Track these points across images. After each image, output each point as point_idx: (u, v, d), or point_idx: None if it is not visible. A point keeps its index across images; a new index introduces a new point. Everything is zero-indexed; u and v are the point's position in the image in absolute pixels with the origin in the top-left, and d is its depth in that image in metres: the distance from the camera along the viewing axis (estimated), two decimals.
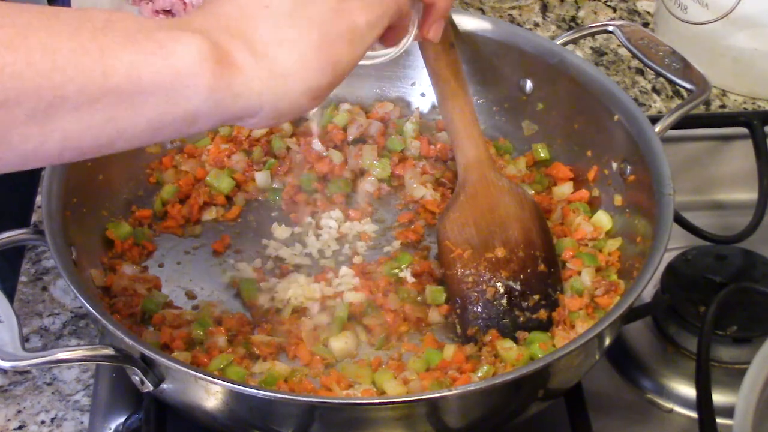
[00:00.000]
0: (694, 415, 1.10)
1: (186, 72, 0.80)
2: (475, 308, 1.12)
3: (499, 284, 1.13)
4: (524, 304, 1.12)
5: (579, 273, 1.14)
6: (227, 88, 0.82)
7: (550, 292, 1.13)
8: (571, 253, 1.16)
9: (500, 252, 1.14)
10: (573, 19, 1.60)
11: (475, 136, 1.20)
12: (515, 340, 1.09)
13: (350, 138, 1.28)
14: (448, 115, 1.21)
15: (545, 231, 1.17)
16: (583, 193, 1.22)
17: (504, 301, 1.12)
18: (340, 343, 1.10)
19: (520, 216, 1.16)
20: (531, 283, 1.13)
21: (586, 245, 1.17)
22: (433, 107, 1.33)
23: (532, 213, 1.17)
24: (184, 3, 1.51)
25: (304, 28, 0.85)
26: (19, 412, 1.12)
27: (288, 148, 1.28)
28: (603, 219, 1.19)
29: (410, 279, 1.15)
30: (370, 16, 0.88)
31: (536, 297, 1.12)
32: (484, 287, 1.13)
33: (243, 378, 1.05)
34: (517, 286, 1.13)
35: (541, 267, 1.14)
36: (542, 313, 1.12)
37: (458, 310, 1.13)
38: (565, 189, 1.24)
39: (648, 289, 1.08)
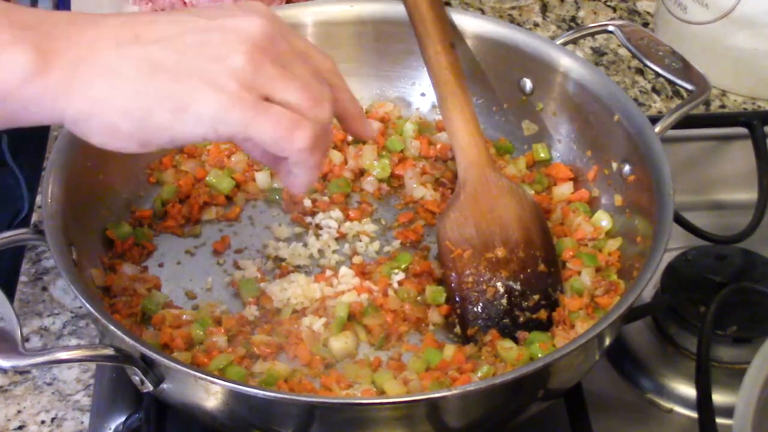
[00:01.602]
0: (694, 415, 1.10)
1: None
2: (475, 308, 1.12)
3: (499, 284, 1.13)
4: (524, 304, 1.12)
5: (579, 273, 1.14)
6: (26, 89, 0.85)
7: (550, 292, 1.13)
8: (571, 253, 1.16)
9: (500, 252, 1.14)
10: (573, 19, 1.60)
11: (475, 136, 1.20)
12: (515, 340, 1.09)
13: (350, 138, 1.28)
14: (447, 115, 1.21)
15: (545, 231, 1.17)
16: (583, 193, 1.22)
17: (504, 301, 1.12)
18: (340, 343, 1.10)
19: (520, 216, 1.16)
20: (531, 282, 1.13)
21: (586, 245, 1.17)
22: (433, 107, 1.32)
23: (532, 213, 1.17)
24: (184, 3, 1.51)
25: (140, 72, 0.86)
26: (19, 412, 1.12)
27: None
28: (603, 219, 1.19)
29: (395, 285, 1.15)
30: (220, 113, 0.86)
31: (536, 297, 1.12)
32: (484, 287, 1.13)
33: (243, 378, 1.05)
34: (517, 286, 1.13)
35: (541, 267, 1.14)
36: (542, 313, 1.12)
37: (458, 310, 1.13)
38: (565, 189, 1.24)
39: (648, 289, 1.08)
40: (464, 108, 1.20)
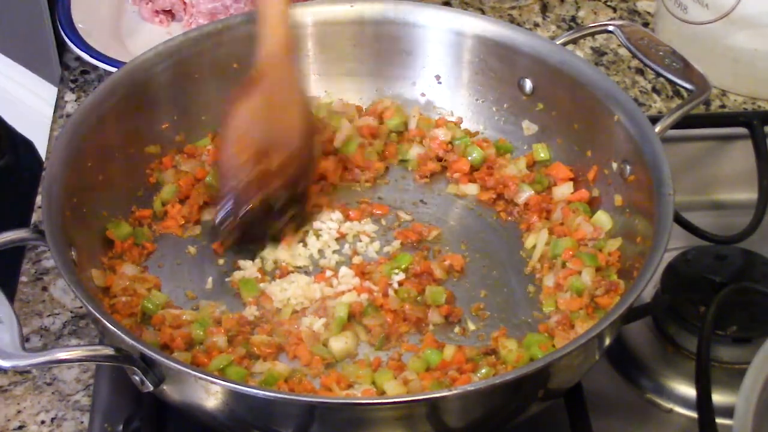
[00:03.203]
0: (694, 415, 1.10)
1: None
2: (231, 209, 1.14)
3: (268, 196, 1.14)
4: (278, 217, 1.16)
5: (579, 273, 1.14)
6: None
7: (299, 211, 1.17)
8: (571, 252, 1.16)
9: (276, 161, 1.13)
10: (573, 19, 1.60)
11: (286, 24, 1.16)
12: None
13: (337, 144, 1.28)
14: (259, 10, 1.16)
15: (314, 153, 1.18)
16: (583, 193, 1.22)
17: (259, 213, 1.15)
18: (340, 344, 1.10)
19: (303, 130, 1.16)
20: (291, 198, 1.16)
21: (586, 245, 1.17)
22: (433, 107, 1.33)
23: (312, 129, 1.17)
24: (184, 3, 1.51)
25: None
26: (19, 412, 1.12)
27: None
28: (603, 219, 1.19)
29: (395, 285, 1.15)
30: None
31: (289, 213, 1.16)
32: (250, 193, 1.14)
33: (243, 378, 1.05)
34: (279, 203, 1.15)
35: (300, 188, 1.16)
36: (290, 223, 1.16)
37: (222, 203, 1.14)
38: (565, 189, 1.23)
39: (648, 289, 1.08)
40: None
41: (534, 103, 1.28)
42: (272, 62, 1.15)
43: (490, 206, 1.25)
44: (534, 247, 1.19)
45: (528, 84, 1.28)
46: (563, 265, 1.16)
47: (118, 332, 0.97)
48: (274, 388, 1.04)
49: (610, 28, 1.27)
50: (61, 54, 1.54)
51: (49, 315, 1.21)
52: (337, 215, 1.23)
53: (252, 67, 1.16)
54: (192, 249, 1.21)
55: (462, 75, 1.31)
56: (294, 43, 1.16)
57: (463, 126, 1.32)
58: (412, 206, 1.26)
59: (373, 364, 1.08)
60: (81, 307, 1.20)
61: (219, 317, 1.12)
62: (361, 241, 1.21)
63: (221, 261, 1.20)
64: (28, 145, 1.62)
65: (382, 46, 1.31)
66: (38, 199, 1.33)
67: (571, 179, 1.24)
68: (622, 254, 1.15)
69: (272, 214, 1.16)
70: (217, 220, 1.16)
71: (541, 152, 1.27)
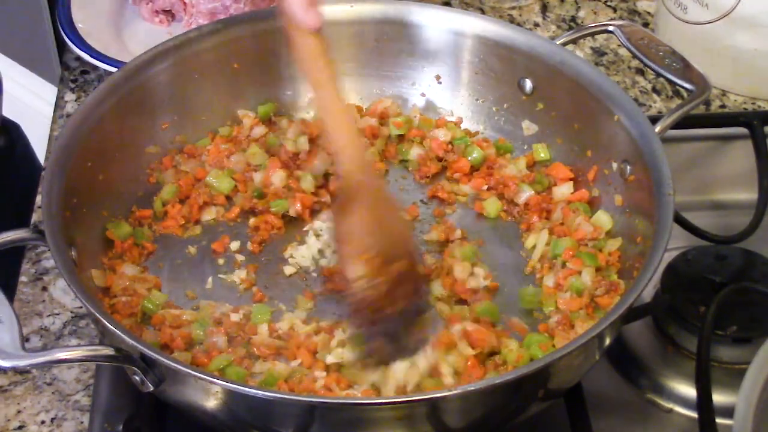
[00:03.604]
0: (694, 415, 1.10)
1: None
2: (372, 324, 1.07)
3: (399, 302, 1.08)
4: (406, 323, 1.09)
5: (579, 273, 1.14)
6: None
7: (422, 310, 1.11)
8: (571, 252, 1.16)
9: (400, 265, 1.08)
10: (573, 19, 1.60)
11: (355, 136, 1.14)
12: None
13: None
14: (325, 111, 1.13)
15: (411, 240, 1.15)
16: (583, 193, 1.22)
17: (397, 318, 1.08)
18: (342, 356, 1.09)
19: (405, 229, 1.14)
20: (417, 300, 1.10)
21: (586, 245, 1.17)
22: (433, 106, 1.33)
23: (409, 228, 1.16)
24: (184, 3, 1.51)
25: None
26: (19, 412, 1.12)
27: (281, 145, 1.28)
28: (603, 219, 1.19)
29: None
30: None
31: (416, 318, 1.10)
32: (385, 301, 1.07)
33: (243, 378, 1.05)
34: (409, 304, 1.09)
35: (418, 285, 1.11)
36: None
37: (356, 322, 1.09)
38: (565, 189, 1.23)
39: (648, 289, 1.08)
40: (338, 102, 1.13)
41: (534, 103, 1.28)
42: (358, 174, 1.11)
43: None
44: (534, 247, 1.19)
45: (528, 84, 1.28)
46: (563, 265, 1.16)
47: (118, 332, 0.97)
48: (274, 388, 1.04)
49: (610, 28, 1.27)
50: (61, 54, 1.55)
51: (49, 315, 1.21)
52: None
53: (339, 183, 1.14)
54: (192, 249, 1.21)
55: (462, 75, 1.31)
56: (364, 147, 1.16)
57: (463, 126, 1.32)
58: (411, 206, 1.25)
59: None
60: (81, 307, 1.20)
61: (219, 318, 1.12)
62: None
63: (221, 261, 1.20)
64: (16, 129, 1.62)
65: (382, 46, 1.32)
66: (38, 199, 1.33)
67: (571, 179, 1.24)
68: (622, 254, 1.16)
69: (406, 317, 1.10)
70: (366, 348, 1.08)
71: (541, 152, 1.27)
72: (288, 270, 1.19)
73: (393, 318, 1.07)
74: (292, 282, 1.18)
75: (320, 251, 1.21)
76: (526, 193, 1.23)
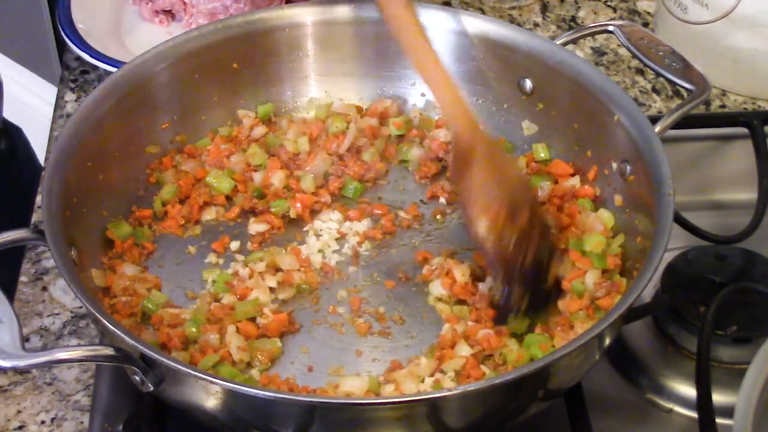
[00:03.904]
0: (694, 415, 1.10)
1: None
2: (511, 275, 1.11)
3: (530, 249, 1.11)
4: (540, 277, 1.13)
5: (584, 272, 1.14)
6: None
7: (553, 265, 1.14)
8: (578, 253, 1.16)
9: (524, 217, 1.12)
10: (573, 19, 1.60)
11: (464, 104, 1.17)
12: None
13: (342, 150, 1.28)
14: (422, 79, 1.19)
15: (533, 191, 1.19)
16: (589, 189, 1.22)
17: (532, 268, 1.11)
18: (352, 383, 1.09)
19: (525, 181, 1.18)
20: (545, 245, 1.13)
21: None
22: (433, 106, 1.33)
23: (525, 175, 1.19)
24: (184, 3, 1.51)
25: None
26: (19, 412, 1.12)
27: (281, 145, 1.28)
28: (605, 216, 1.19)
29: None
30: None
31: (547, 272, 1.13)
32: (518, 253, 1.11)
33: (234, 376, 1.05)
34: (542, 251, 1.12)
35: (547, 239, 1.14)
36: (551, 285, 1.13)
37: (499, 286, 1.12)
38: (573, 182, 1.23)
39: (648, 289, 1.08)
40: (437, 66, 1.17)
41: (534, 103, 1.28)
42: (469, 133, 1.15)
43: None
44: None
45: (528, 84, 1.28)
46: (572, 265, 1.15)
47: (118, 332, 0.97)
48: (274, 388, 1.04)
49: (610, 28, 1.27)
50: (61, 54, 1.55)
51: (49, 315, 1.21)
52: (337, 215, 1.23)
53: (453, 146, 1.18)
54: (192, 249, 1.21)
55: (462, 75, 1.31)
56: (470, 111, 1.17)
57: None
58: (412, 206, 1.26)
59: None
60: (81, 307, 1.20)
61: (214, 311, 1.12)
62: (365, 242, 1.22)
63: (221, 261, 1.20)
64: (18, 132, 1.62)
65: (382, 46, 1.31)
66: (38, 199, 1.33)
67: (571, 175, 1.24)
68: (623, 253, 1.15)
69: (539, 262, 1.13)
70: (502, 301, 1.12)
71: (541, 152, 1.27)
72: None
73: (528, 266, 1.11)
74: None
75: (320, 251, 1.21)
76: (545, 190, 1.23)
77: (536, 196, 1.19)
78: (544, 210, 1.19)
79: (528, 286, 1.11)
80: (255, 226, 1.22)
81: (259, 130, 1.29)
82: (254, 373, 1.08)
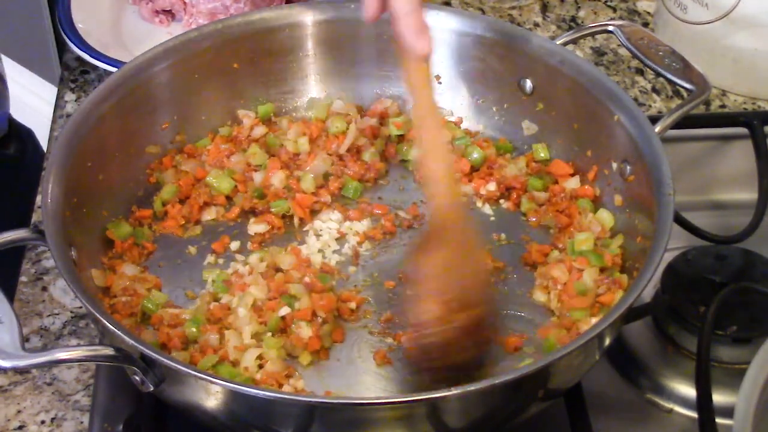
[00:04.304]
0: (694, 415, 1.10)
1: None
2: (429, 369, 1.06)
3: (462, 352, 1.05)
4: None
5: (582, 271, 1.14)
6: None
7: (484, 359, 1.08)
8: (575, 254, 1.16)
9: (474, 312, 1.05)
10: (573, 19, 1.60)
11: (452, 176, 1.11)
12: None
13: (342, 150, 1.28)
14: (418, 139, 1.12)
15: (495, 309, 1.12)
16: (588, 189, 1.22)
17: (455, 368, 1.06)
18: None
19: (485, 286, 1.11)
20: (481, 353, 1.08)
21: (595, 244, 1.17)
22: None
23: (485, 272, 1.13)
24: (184, 3, 1.51)
25: None
26: (19, 412, 1.12)
27: (281, 145, 1.28)
28: (605, 217, 1.19)
29: None
30: None
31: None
32: (448, 351, 1.05)
33: (233, 376, 1.05)
34: (475, 350, 1.07)
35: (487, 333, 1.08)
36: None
37: (409, 344, 1.08)
38: (572, 183, 1.23)
39: (648, 289, 1.08)
40: (439, 132, 1.11)
41: (534, 103, 1.28)
42: (449, 211, 1.08)
43: (494, 203, 1.26)
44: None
45: (528, 84, 1.28)
46: (570, 267, 1.15)
47: (118, 332, 0.97)
48: (275, 388, 1.04)
49: (610, 28, 1.27)
50: (61, 54, 1.54)
51: (49, 315, 1.21)
52: (337, 215, 1.23)
53: (429, 216, 1.12)
54: (192, 249, 1.21)
55: (462, 75, 1.31)
56: (460, 196, 1.14)
57: (463, 126, 1.32)
58: (412, 206, 1.26)
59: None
60: (81, 307, 1.20)
61: (214, 311, 1.12)
62: (366, 242, 1.22)
63: (221, 261, 1.20)
64: (29, 134, 1.62)
65: (382, 46, 1.31)
66: (38, 199, 1.33)
67: (571, 175, 1.24)
68: (623, 253, 1.15)
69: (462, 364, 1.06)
70: (419, 365, 1.08)
71: (541, 152, 1.27)
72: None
73: (452, 367, 1.04)
74: None
75: (320, 251, 1.21)
76: (543, 193, 1.24)
77: (491, 300, 1.11)
78: (492, 319, 1.10)
79: (441, 372, 1.05)
80: (255, 227, 1.22)
81: (259, 130, 1.29)
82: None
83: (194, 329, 1.09)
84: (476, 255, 1.11)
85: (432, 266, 1.06)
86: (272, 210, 1.23)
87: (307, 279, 1.14)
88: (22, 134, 1.59)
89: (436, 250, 1.07)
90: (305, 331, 1.09)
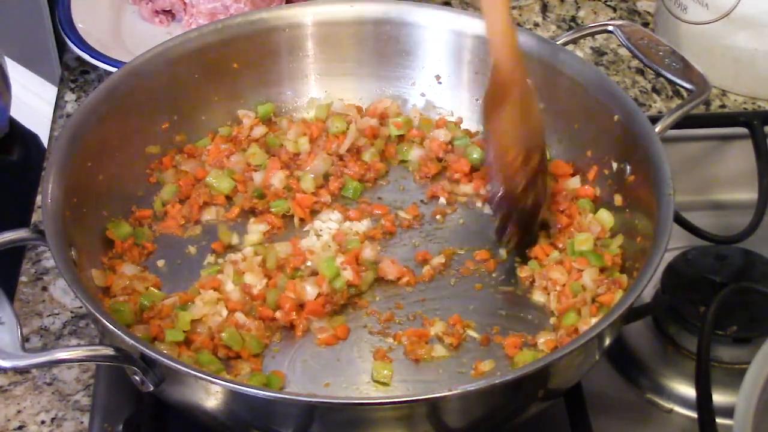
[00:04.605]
0: (694, 415, 1.10)
1: None
2: (510, 214, 1.17)
3: (532, 194, 1.16)
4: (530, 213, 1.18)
5: (581, 273, 1.14)
6: None
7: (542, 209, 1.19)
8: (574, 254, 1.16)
9: (536, 161, 1.16)
10: (573, 19, 1.60)
11: (513, 31, 1.16)
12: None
13: (342, 150, 1.28)
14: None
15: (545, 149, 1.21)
16: (589, 189, 1.22)
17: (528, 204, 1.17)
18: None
19: (542, 128, 1.19)
20: (544, 193, 1.18)
21: (595, 244, 1.17)
22: (432, 106, 1.33)
23: (542, 127, 1.19)
24: (184, 3, 1.51)
25: None
26: (19, 412, 1.12)
27: (281, 146, 1.28)
28: (605, 217, 1.19)
29: None
30: None
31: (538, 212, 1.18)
32: (526, 193, 1.16)
33: (212, 362, 1.06)
34: (536, 197, 1.17)
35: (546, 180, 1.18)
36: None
37: (498, 200, 1.17)
38: (574, 182, 1.23)
39: (648, 289, 1.08)
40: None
41: None
42: (511, 66, 1.15)
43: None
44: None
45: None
46: (570, 268, 1.15)
47: (118, 332, 0.97)
48: (275, 388, 1.04)
49: (610, 28, 1.27)
50: (61, 54, 1.55)
51: (49, 315, 1.21)
52: (337, 215, 1.23)
53: (492, 74, 1.17)
54: (192, 249, 1.21)
55: (462, 75, 1.31)
56: (518, 45, 1.17)
57: (463, 126, 1.32)
58: (411, 206, 1.26)
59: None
60: (81, 307, 1.20)
61: (201, 282, 1.13)
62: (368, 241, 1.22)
63: (221, 261, 1.20)
64: (33, 138, 1.62)
65: (382, 46, 1.32)
66: (38, 199, 1.33)
67: (571, 175, 1.24)
68: (623, 253, 1.15)
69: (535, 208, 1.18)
70: (497, 224, 1.20)
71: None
72: None
73: (527, 209, 1.17)
74: None
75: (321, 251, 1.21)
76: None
77: (545, 143, 1.21)
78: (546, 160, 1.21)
79: (522, 225, 1.17)
80: (255, 227, 1.22)
81: (259, 130, 1.29)
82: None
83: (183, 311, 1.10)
84: (533, 104, 1.18)
85: (503, 123, 1.16)
86: (272, 210, 1.23)
87: (309, 263, 1.15)
88: (26, 138, 1.59)
89: (504, 106, 1.15)
90: (311, 289, 1.12)
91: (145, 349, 0.96)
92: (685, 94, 1.25)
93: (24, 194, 1.40)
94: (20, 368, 1.10)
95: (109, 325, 0.98)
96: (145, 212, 1.22)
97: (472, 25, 1.28)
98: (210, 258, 1.20)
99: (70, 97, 1.47)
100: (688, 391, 1.13)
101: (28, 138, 1.59)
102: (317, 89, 1.33)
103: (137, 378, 0.99)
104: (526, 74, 1.16)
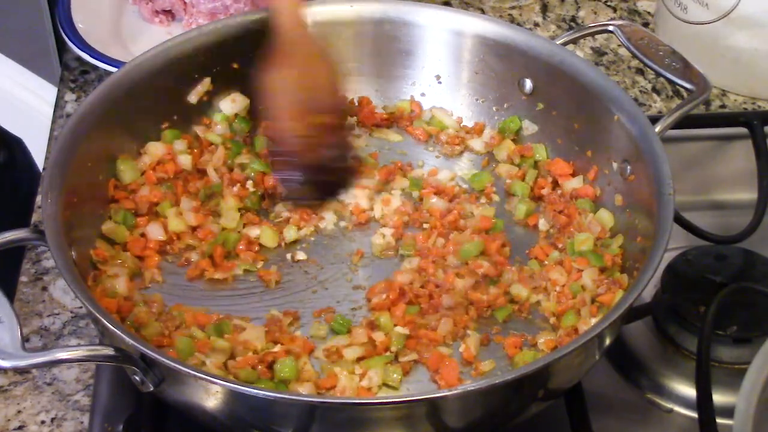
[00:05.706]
0: (694, 415, 1.10)
1: None
2: (294, 170, 1.15)
3: (323, 150, 1.14)
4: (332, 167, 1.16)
5: (581, 272, 1.14)
6: None
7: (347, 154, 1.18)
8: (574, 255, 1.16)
9: (322, 120, 1.14)
10: (573, 19, 1.60)
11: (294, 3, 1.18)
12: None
13: None
14: None
15: (345, 108, 1.23)
16: (589, 189, 1.22)
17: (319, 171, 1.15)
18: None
19: (334, 86, 1.18)
20: (341, 145, 1.17)
21: (596, 245, 1.17)
22: (432, 106, 1.33)
23: (337, 77, 1.19)
24: (184, 3, 1.51)
25: None
26: (19, 412, 1.12)
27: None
28: (605, 217, 1.19)
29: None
30: None
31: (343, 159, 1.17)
32: (311, 152, 1.14)
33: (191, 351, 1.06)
34: (332, 152, 1.15)
35: (342, 131, 1.18)
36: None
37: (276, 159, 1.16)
38: (574, 183, 1.23)
39: (648, 289, 1.08)
40: None
41: (534, 103, 1.28)
42: (292, 28, 1.17)
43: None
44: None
45: (528, 84, 1.28)
46: (570, 268, 1.15)
47: (118, 332, 0.97)
48: (275, 388, 1.04)
49: (610, 28, 1.27)
50: (61, 54, 1.54)
51: (49, 315, 1.21)
52: (332, 217, 1.23)
53: (274, 43, 1.17)
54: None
55: (462, 75, 1.31)
56: (305, 16, 1.20)
57: (463, 125, 1.32)
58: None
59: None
60: (81, 307, 1.20)
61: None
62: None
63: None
64: (18, 143, 1.62)
65: (382, 46, 1.32)
66: (38, 199, 1.33)
67: (571, 175, 1.24)
68: (623, 253, 1.15)
69: (327, 170, 1.17)
70: (283, 185, 1.19)
71: (541, 152, 1.27)
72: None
73: (314, 167, 1.14)
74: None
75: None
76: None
77: (343, 104, 1.22)
78: (345, 121, 1.22)
79: (317, 183, 1.16)
80: (254, 229, 1.22)
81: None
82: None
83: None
84: (322, 64, 1.17)
85: (282, 82, 1.15)
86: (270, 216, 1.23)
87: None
88: (11, 144, 1.59)
89: (282, 66, 1.15)
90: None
91: (145, 349, 0.96)
92: (685, 94, 1.25)
93: (8, 197, 1.39)
94: (20, 368, 1.10)
95: (109, 325, 0.98)
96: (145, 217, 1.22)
97: (472, 25, 1.29)
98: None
99: (70, 97, 1.47)
100: (688, 391, 1.13)
101: (12, 142, 1.59)
102: None
103: (137, 378, 0.99)
104: (310, 35, 1.18)
